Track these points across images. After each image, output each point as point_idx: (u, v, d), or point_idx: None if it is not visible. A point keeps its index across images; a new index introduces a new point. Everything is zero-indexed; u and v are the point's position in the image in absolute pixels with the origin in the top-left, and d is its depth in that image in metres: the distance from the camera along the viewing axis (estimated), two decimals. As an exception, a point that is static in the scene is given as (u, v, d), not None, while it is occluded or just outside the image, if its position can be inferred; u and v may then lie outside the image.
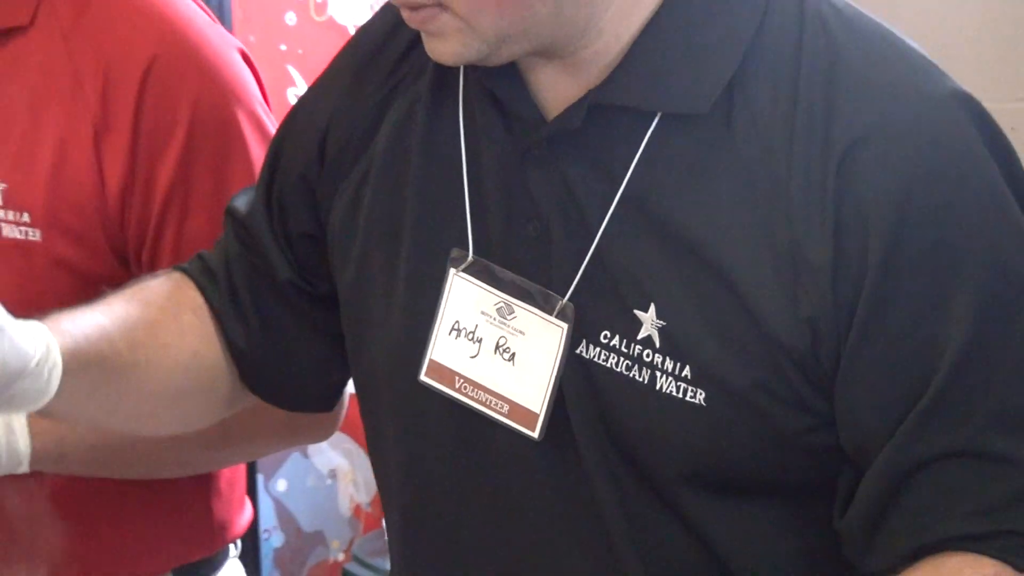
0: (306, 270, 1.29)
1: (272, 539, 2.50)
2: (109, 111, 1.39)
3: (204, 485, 1.50)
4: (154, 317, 1.25)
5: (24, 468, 1.33)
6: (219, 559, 1.53)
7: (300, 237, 1.27)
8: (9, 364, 1.04)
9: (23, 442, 1.33)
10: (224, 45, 1.46)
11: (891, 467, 1.03)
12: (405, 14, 1.07)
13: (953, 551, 1.03)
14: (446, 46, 1.06)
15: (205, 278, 1.31)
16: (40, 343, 1.09)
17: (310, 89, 1.33)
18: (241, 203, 1.32)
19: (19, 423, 1.35)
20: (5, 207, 1.38)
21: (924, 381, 1.02)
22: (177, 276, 1.31)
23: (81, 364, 1.13)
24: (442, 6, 1.03)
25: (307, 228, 1.27)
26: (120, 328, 1.21)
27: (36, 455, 1.33)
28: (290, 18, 2.57)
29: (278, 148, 1.31)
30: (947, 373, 1.02)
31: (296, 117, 1.31)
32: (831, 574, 1.11)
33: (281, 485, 2.54)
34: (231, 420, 1.43)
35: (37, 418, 1.36)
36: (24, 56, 1.42)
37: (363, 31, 1.29)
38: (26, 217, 1.38)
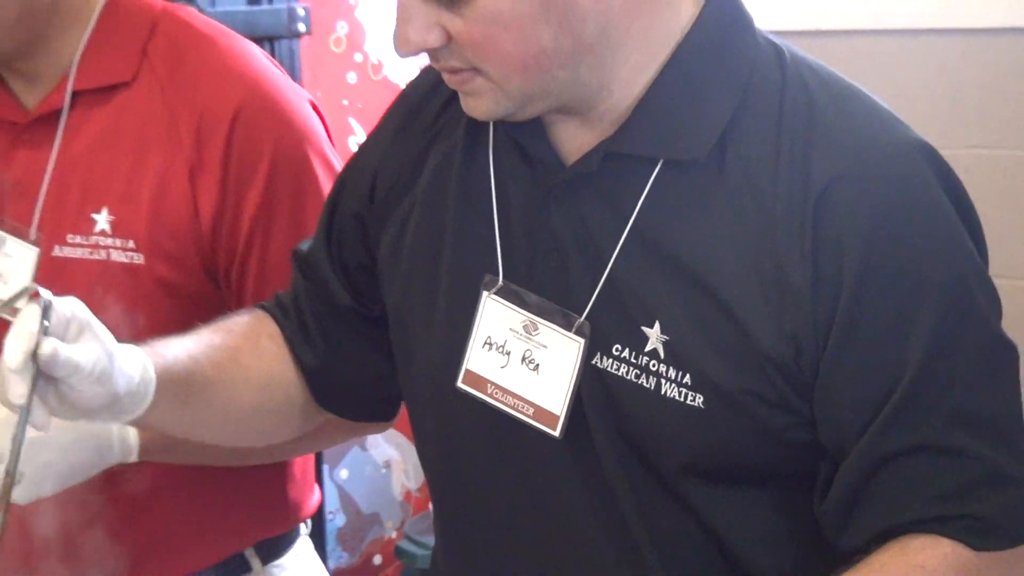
0: (363, 296, 1.33)
1: (336, 520, 2.49)
2: (202, 153, 1.46)
3: (281, 472, 1.58)
4: (235, 343, 1.31)
5: (134, 458, 1.40)
6: (293, 536, 1.62)
7: (356, 268, 1.32)
8: (118, 384, 1.12)
9: (133, 436, 1.40)
10: (297, 96, 1.53)
11: (863, 460, 1.08)
12: (445, 76, 1.13)
13: (916, 533, 1.08)
14: (480, 104, 1.12)
15: (279, 311, 1.36)
16: (139, 363, 1.16)
17: (365, 141, 1.38)
18: (304, 246, 1.38)
19: None
20: (114, 235, 1.45)
21: (891, 387, 1.08)
22: (256, 311, 1.37)
23: (170, 380, 1.20)
24: (477, 70, 1.09)
25: (361, 259, 1.31)
26: (205, 351, 1.27)
27: (144, 447, 1.40)
28: (351, 77, 2.57)
29: (338, 192, 1.35)
30: (911, 380, 1.07)
31: (352, 165, 1.36)
32: (815, 551, 1.15)
33: (343, 474, 2.53)
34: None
35: None
36: (128, 107, 1.49)
37: (409, 87, 1.34)
38: (131, 244, 1.46)
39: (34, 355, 1.09)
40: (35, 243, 1.49)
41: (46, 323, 1.11)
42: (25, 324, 1.09)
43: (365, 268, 1.32)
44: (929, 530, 1.08)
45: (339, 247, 1.33)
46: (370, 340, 1.35)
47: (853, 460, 1.09)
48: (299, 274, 1.36)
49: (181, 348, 1.26)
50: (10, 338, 1.08)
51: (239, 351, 1.31)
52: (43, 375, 1.10)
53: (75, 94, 1.48)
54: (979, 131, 2.19)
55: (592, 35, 1.08)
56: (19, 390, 1.09)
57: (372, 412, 1.42)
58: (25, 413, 1.12)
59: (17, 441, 1.14)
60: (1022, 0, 2.24)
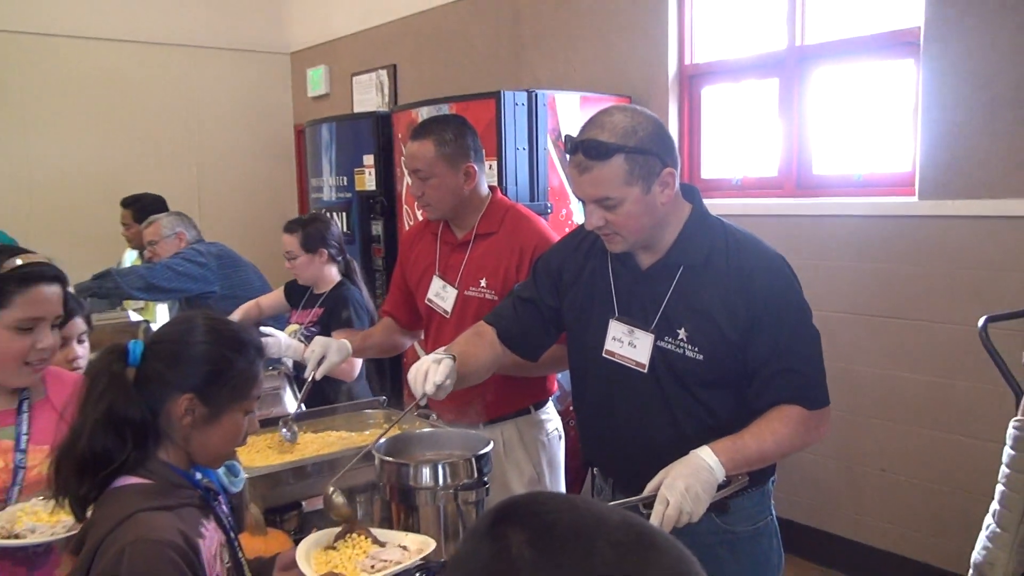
0: (551, 306, 2.25)
1: (554, 392, 3.06)
2: (522, 262, 2.76)
3: (544, 376, 2.92)
4: (477, 343, 2.25)
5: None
6: (546, 399, 2.97)
7: (547, 295, 2.27)
8: (450, 379, 2.05)
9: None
10: (555, 237, 2.72)
11: (762, 376, 2.01)
12: (602, 235, 2.03)
13: (782, 403, 2.01)
14: (616, 246, 2.05)
15: (494, 317, 2.29)
16: (453, 367, 2.08)
17: (555, 247, 2.36)
18: (517, 287, 2.34)
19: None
20: (488, 288, 2.78)
21: (774, 349, 1.99)
22: (480, 322, 2.34)
23: (458, 374, 2.11)
24: (617, 233, 2.00)
25: (549, 301, 2.28)
26: (467, 351, 2.19)
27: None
28: (567, 230, 2.73)
29: (537, 264, 2.33)
30: (782, 347, 1.99)
31: (547, 257, 2.31)
32: (746, 410, 2.01)
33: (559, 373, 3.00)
34: (556, 363, 2.65)
35: None
36: (494, 241, 2.81)
37: (573, 233, 2.30)
38: (494, 293, 2.78)
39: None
40: (456, 287, 2.81)
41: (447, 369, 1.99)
42: (444, 368, 1.97)
43: (553, 295, 2.26)
44: (789, 402, 1.98)
45: (539, 289, 2.26)
46: (546, 325, 2.29)
47: (759, 377, 1.98)
48: (518, 297, 2.28)
49: (459, 356, 2.11)
50: (434, 370, 1.98)
51: (478, 347, 2.23)
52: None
53: (476, 235, 2.82)
54: (817, 251, 3.57)
55: (660, 219, 1.98)
56: (423, 391, 1.98)
57: (529, 354, 2.34)
58: (422, 399, 1.98)
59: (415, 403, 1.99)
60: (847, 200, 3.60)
